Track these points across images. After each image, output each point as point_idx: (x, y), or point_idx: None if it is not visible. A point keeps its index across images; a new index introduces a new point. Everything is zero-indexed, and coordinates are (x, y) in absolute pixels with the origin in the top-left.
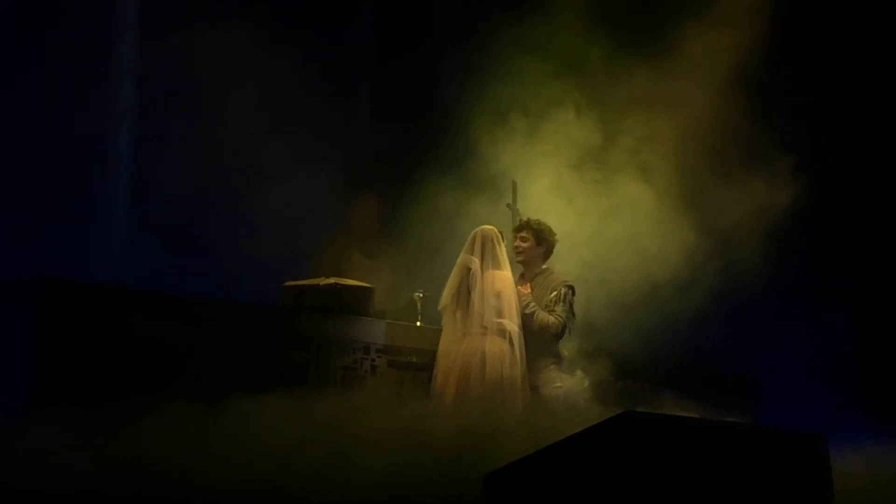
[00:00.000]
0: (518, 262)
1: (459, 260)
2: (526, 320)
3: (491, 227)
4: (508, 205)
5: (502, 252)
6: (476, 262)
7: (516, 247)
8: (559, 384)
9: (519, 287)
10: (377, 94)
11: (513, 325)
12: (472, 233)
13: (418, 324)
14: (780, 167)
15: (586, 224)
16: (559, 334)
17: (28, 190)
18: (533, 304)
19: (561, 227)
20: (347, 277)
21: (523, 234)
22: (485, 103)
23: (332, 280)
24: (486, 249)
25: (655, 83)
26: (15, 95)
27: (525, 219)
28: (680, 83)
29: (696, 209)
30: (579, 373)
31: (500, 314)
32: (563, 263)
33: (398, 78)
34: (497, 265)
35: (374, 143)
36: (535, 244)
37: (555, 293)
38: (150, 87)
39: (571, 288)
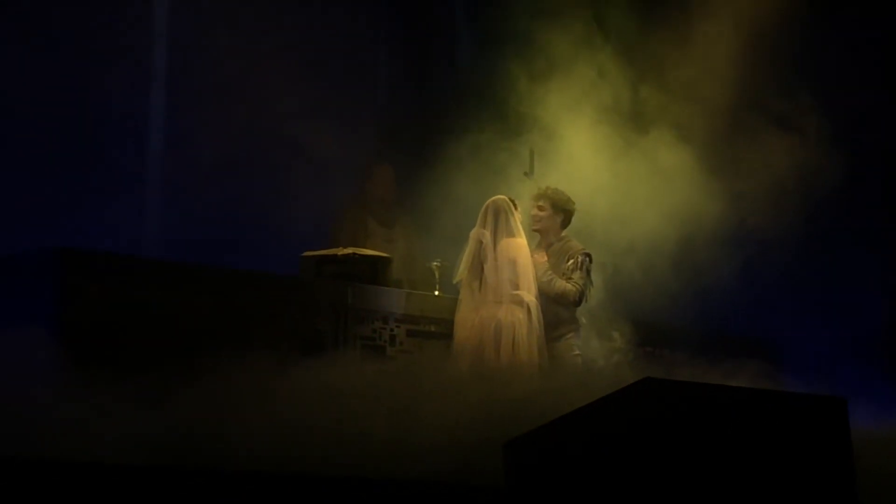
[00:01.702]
0: (534, 230)
1: (472, 233)
2: (543, 288)
3: (502, 196)
4: (526, 173)
5: (516, 220)
6: (487, 235)
7: (533, 216)
8: (577, 352)
9: (535, 256)
10: (399, 57)
11: (529, 295)
12: (484, 204)
13: (436, 293)
14: (813, 133)
15: (615, 187)
16: (577, 302)
17: (58, 160)
18: (549, 272)
19: (588, 192)
20: (364, 246)
21: (541, 203)
22: (506, 69)
23: (350, 250)
24: (498, 220)
25: (685, 43)
26: (45, 63)
27: (543, 187)
28: (709, 45)
29: (726, 173)
30: (599, 340)
31: (515, 285)
32: (590, 228)
33: (418, 43)
34: (511, 233)
35: (398, 108)
36: (553, 213)
37: (572, 261)
38: (181, 56)
39: (588, 255)
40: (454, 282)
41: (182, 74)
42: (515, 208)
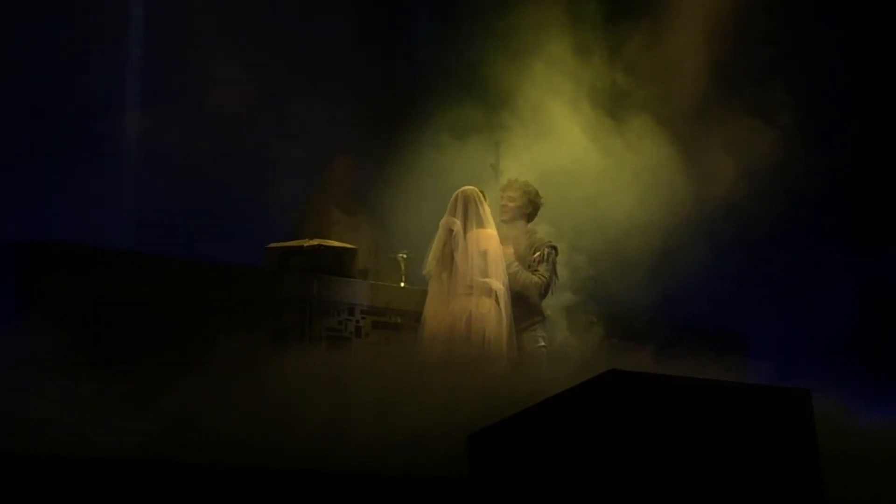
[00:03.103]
0: (503, 220)
1: (442, 222)
2: (509, 280)
3: (472, 187)
4: (492, 165)
5: (486, 211)
6: (458, 224)
7: (503, 206)
8: (543, 343)
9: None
10: (366, 45)
11: (498, 283)
12: (454, 194)
13: (402, 285)
14: (788, 129)
15: (584, 175)
16: (542, 294)
17: (27, 150)
18: (515, 263)
19: (553, 179)
20: (328, 235)
21: (511, 193)
22: (476, 55)
23: (316, 241)
24: (468, 210)
25: (654, 33)
26: (19, 56)
27: (513, 178)
28: (677, 36)
29: (699, 167)
30: (564, 331)
31: (485, 273)
32: (561, 215)
33: (385, 29)
34: (481, 224)
35: (366, 98)
36: (522, 204)
37: (538, 253)
38: (155, 45)
39: (554, 248)
40: (424, 273)
41: (156, 64)
42: (485, 199)
